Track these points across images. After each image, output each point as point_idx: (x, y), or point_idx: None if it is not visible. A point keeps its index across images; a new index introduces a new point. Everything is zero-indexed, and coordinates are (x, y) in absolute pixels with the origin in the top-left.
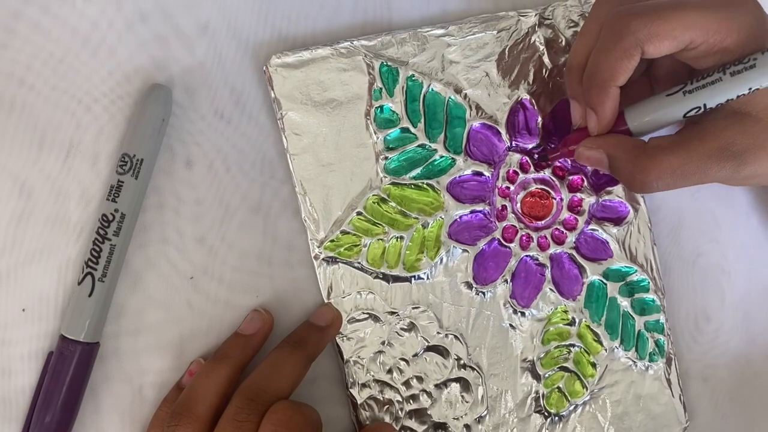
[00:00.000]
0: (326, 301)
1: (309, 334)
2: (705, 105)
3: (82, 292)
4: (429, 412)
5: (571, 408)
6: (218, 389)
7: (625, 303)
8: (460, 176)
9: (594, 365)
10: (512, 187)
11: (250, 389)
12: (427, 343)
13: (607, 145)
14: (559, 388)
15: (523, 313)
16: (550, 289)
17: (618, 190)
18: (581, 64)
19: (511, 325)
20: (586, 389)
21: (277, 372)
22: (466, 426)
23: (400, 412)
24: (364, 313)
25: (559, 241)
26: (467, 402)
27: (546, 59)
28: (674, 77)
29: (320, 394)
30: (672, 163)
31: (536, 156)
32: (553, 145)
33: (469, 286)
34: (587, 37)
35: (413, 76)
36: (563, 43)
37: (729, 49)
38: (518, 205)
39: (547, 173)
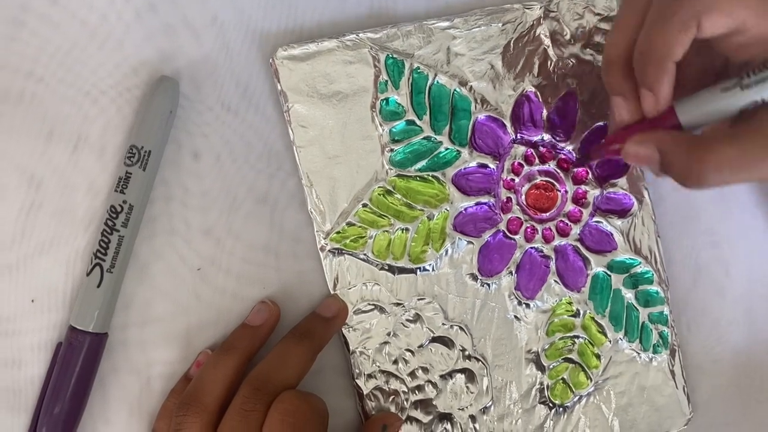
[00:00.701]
0: (332, 292)
1: (315, 326)
2: (763, 99)
3: (90, 282)
4: (434, 402)
5: (576, 399)
6: (225, 380)
7: (629, 295)
8: (465, 168)
9: (598, 356)
10: (517, 180)
11: (257, 379)
12: (432, 335)
13: (658, 140)
14: (563, 379)
15: (527, 305)
16: (555, 281)
17: (622, 182)
18: (622, 56)
19: (515, 317)
20: (591, 380)
21: (283, 362)
22: (471, 417)
23: (405, 403)
24: (369, 304)
25: (564, 233)
26: (472, 393)
27: (551, 52)
28: (702, 78)
29: (326, 384)
30: (730, 155)
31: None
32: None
33: (474, 277)
34: (626, 28)
35: (419, 68)
36: (568, 35)
37: None
38: (523, 197)
39: (552, 165)
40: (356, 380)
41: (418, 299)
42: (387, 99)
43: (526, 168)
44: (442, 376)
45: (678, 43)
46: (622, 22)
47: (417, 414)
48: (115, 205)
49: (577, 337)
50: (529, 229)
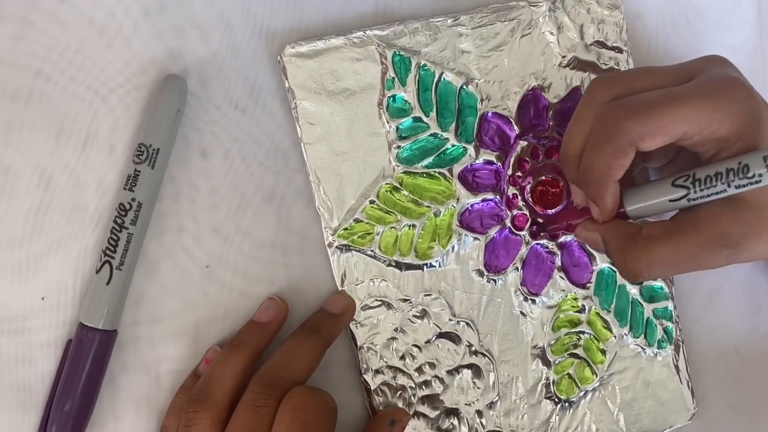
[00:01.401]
0: (340, 288)
1: (323, 322)
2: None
3: (100, 280)
4: (441, 397)
5: (581, 394)
6: (235, 376)
7: (634, 290)
8: (471, 165)
9: (603, 352)
10: (523, 176)
11: (266, 375)
12: (439, 330)
13: (603, 229)
14: (569, 374)
15: (533, 301)
16: (561, 277)
17: None
18: (576, 153)
19: (521, 312)
20: (596, 375)
21: (292, 359)
22: (478, 412)
23: (412, 398)
24: (377, 300)
25: (569, 229)
26: (479, 388)
27: (556, 49)
28: (667, 153)
29: (334, 380)
30: (663, 255)
31: (538, 228)
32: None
33: (481, 273)
34: (580, 126)
35: (425, 65)
36: (573, 32)
37: (723, 137)
38: (529, 193)
39: (557, 162)
40: (364, 375)
41: (425, 295)
42: (394, 96)
43: (532, 164)
44: (448, 372)
45: (615, 167)
46: (577, 119)
47: (424, 409)
48: (124, 202)
49: (583, 332)
50: (535, 225)
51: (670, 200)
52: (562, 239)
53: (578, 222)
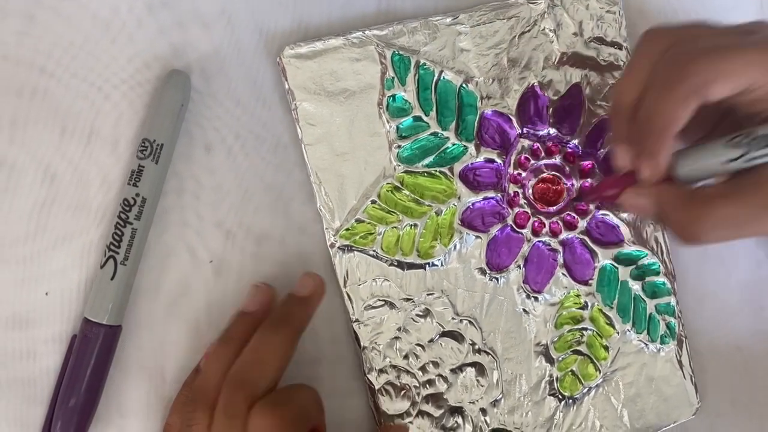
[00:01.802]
0: (343, 288)
1: (291, 309)
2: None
3: (104, 275)
4: (445, 396)
5: (585, 391)
6: (227, 372)
7: (636, 286)
8: (472, 163)
9: (606, 348)
10: (524, 174)
11: (236, 379)
12: (442, 329)
13: (657, 194)
14: (572, 371)
15: (536, 298)
16: (563, 274)
17: None
18: (630, 104)
19: (524, 310)
20: (599, 372)
21: (260, 358)
22: (482, 410)
23: (417, 397)
24: (380, 300)
25: (571, 227)
26: (483, 386)
27: (555, 46)
28: (704, 125)
29: (337, 380)
30: (727, 213)
31: (574, 198)
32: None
33: (483, 271)
34: (637, 75)
35: (425, 64)
36: (572, 29)
37: None
38: (530, 191)
39: (558, 159)
40: (368, 375)
41: (428, 294)
42: (394, 96)
43: (533, 162)
44: (452, 370)
45: (680, 117)
46: (633, 67)
47: (428, 408)
48: (128, 198)
49: (586, 329)
50: (536, 223)
51: (728, 160)
52: (563, 236)
53: (617, 192)
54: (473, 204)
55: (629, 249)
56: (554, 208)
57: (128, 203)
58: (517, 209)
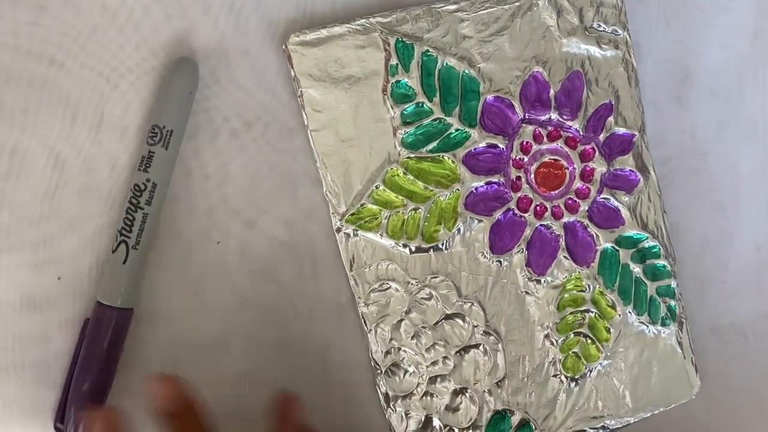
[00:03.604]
0: (349, 272)
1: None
2: None
3: (116, 259)
4: (450, 377)
5: (587, 372)
6: None
7: (637, 269)
8: (475, 149)
9: (608, 330)
10: (526, 159)
11: None
12: (446, 311)
13: None
14: (575, 352)
15: (538, 281)
16: (565, 257)
17: (629, 159)
18: None
19: (527, 293)
20: (602, 353)
21: None
22: (487, 390)
23: (422, 378)
24: (385, 283)
25: (573, 210)
26: (487, 367)
27: (556, 32)
28: None
29: (344, 361)
30: None
31: None
32: None
33: (486, 255)
34: None
35: (428, 51)
36: (573, 15)
37: None
38: (532, 175)
39: (559, 144)
40: (374, 356)
41: (432, 277)
42: (398, 82)
43: (535, 147)
44: (457, 352)
45: None
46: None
47: (433, 388)
48: (138, 183)
49: (588, 311)
50: (538, 207)
51: None
52: (565, 219)
53: None
54: (476, 188)
55: (630, 232)
56: (556, 192)
57: (139, 188)
58: (519, 193)
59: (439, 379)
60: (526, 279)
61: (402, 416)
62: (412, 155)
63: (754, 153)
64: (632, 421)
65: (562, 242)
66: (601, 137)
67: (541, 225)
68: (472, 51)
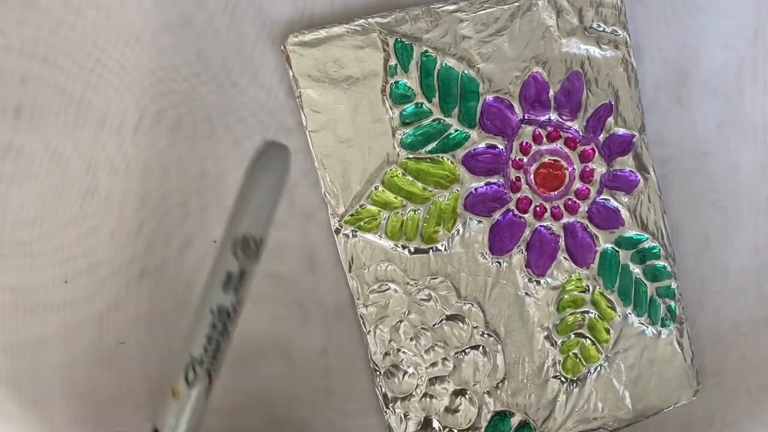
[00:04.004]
0: (348, 273)
1: None
2: None
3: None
4: (449, 378)
5: (587, 373)
6: None
7: (637, 270)
8: (474, 149)
9: (608, 330)
10: (525, 159)
11: None
12: (446, 312)
13: None
14: (575, 353)
15: (538, 282)
16: (564, 258)
17: (628, 160)
18: None
19: (526, 294)
20: (602, 354)
21: None
22: (486, 392)
23: (421, 379)
24: (384, 284)
25: (572, 211)
26: (486, 369)
27: (556, 32)
28: None
29: (342, 363)
30: None
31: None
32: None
33: (485, 256)
34: None
35: (427, 51)
36: (572, 15)
37: None
38: (531, 176)
39: (559, 144)
40: (373, 358)
41: (432, 278)
42: (397, 82)
43: (534, 147)
44: (456, 353)
45: None
46: None
47: (433, 390)
48: (226, 306)
49: (587, 312)
50: (538, 208)
51: None
52: (565, 220)
53: None
54: (476, 189)
55: (630, 233)
56: (555, 192)
57: (228, 313)
58: (519, 194)
59: (438, 381)
60: (526, 280)
61: (401, 418)
62: (411, 156)
63: (754, 153)
64: (632, 422)
65: (562, 243)
66: (601, 138)
67: (540, 226)
68: (471, 51)
